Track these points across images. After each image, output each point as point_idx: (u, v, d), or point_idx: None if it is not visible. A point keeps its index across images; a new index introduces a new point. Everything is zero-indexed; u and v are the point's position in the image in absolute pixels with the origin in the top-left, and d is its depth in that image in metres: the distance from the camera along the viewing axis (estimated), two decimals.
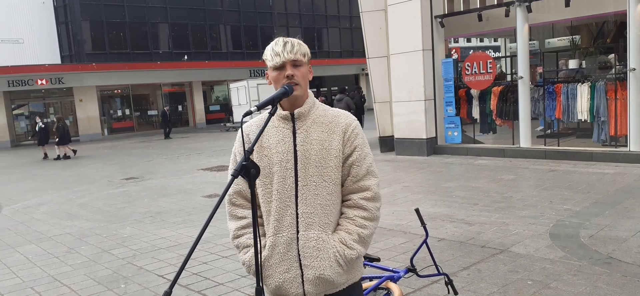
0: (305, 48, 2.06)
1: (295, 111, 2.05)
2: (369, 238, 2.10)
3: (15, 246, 6.85)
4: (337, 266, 2.04)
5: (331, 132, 2.06)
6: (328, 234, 2.05)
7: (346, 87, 18.90)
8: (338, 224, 2.10)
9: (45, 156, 19.67)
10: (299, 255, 2.03)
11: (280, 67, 2.01)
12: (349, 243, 2.05)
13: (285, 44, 2.01)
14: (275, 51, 2.01)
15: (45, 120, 20.62)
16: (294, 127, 2.05)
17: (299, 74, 2.01)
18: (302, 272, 2.04)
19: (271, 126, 2.07)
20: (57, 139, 19.26)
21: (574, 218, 6.08)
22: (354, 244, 2.05)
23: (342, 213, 2.11)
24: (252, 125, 2.15)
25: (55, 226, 7.89)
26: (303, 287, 2.04)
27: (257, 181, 2.06)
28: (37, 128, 20.67)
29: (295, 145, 2.03)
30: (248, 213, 2.11)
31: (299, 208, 2.02)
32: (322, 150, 2.03)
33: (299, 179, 2.02)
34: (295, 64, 2.01)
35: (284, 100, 2.03)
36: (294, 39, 2.05)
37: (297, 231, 2.03)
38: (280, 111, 2.06)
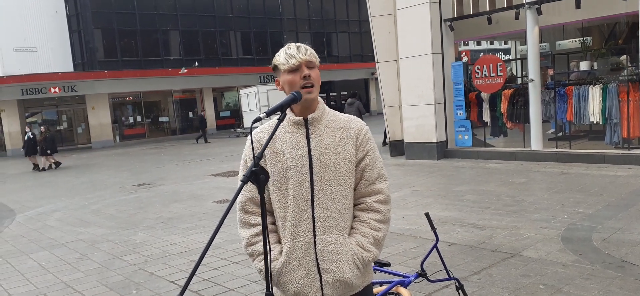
0: (314, 52, 2.11)
1: (309, 117, 2.08)
2: (383, 240, 2.15)
3: (29, 253, 6.92)
4: (355, 268, 2.08)
5: (344, 137, 2.09)
6: (345, 238, 2.09)
7: (357, 92, 18.92)
8: (352, 227, 2.14)
9: (35, 167, 18.85)
10: (317, 259, 2.06)
11: (296, 69, 2.04)
12: (365, 245, 2.09)
13: (298, 47, 2.06)
14: (290, 53, 2.05)
15: (44, 129, 19.35)
16: (307, 132, 2.07)
17: (313, 76, 2.05)
18: (320, 276, 2.06)
19: (284, 132, 2.09)
20: (48, 150, 18.51)
21: (586, 221, 6.03)
22: (371, 246, 2.10)
23: (355, 216, 2.15)
24: (263, 131, 2.16)
25: (68, 233, 7.96)
26: (322, 291, 2.07)
27: (271, 187, 2.09)
28: (25, 138, 19.44)
29: (309, 150, 2.05)
30: (261, 219, 2.13)
31: (315, 212, 2.05)
32: (336, 154, 2.06)
33: (314, 183, 2.04)
34: (310, 65, 2.06)
35: (295, 105, 2.06)
36: (302, 45, 2.09)
37: (314, 236, 2.06)
38: (292, 117, 2.09)
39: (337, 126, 2.11)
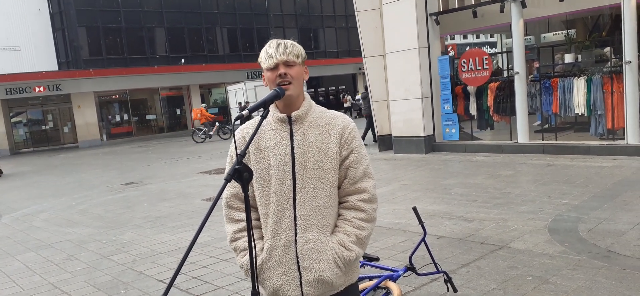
0: (298, 49, 2.06)
1: (293, 114, 2.06)
2: (367, 239, 2.12)
3: (15, 255, 6.85)
4: (335, 267, 2.06)
5: (328, 134, 2.07)
6: (326, 236, 2.06)
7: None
8: (336, 226, 2.12)
9: None
10: (297, 257, 2.05)
11: (273, 68, 2.02)
12: (347, 244, 2.07)
13: (278, 45, 2.03)
14: (268, 53, 2.02)
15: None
16: (291, 129, 2.06)
17: (292, 74, 2.02)
18: (300, 274, 2.05)
19: (268, 129, 2.07)
20: None
21: (572, 212, 6.09)
22: (353, 245, 2.07)
23: (339, 215, 2.13)
24: (247, 128, 2.15)
25: (54, 233, 7.88)
26: (301, 289, 2.06)
27: (255, 184, 2.08)
28: None
29: (292, 148, 2.03)
30: (244, 215, 2.11)
31: (297, 210, 2.03)
32: (319, 153, 2.04)
33: (296, 181, 2.03)
34: (288, 64, 2.02)
35: (279, 102, 2.04)
36: (288, 41, 2.06)
37: (295, 234, 2.04)
38: (277, 114, 2.07)
39: (322, 123, 2.09)
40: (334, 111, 2.18)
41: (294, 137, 2.04)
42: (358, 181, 2.10)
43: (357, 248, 2.08)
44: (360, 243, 2.09)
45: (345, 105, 33.31)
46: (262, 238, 2.13)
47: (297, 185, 2.03)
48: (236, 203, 2.14)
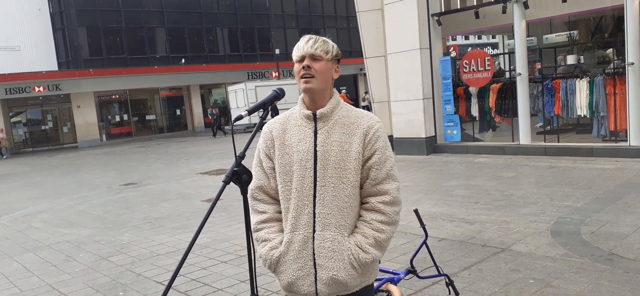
0: (329, 46, 2.09)
1: (318, 112, 2.07)
2: (386, 242, 2.10)
3: (13, 255, 6.80)
4: (351, 268, 2.05)
5: (352, 134, 2.07)
6: (344, 236, 2.06)
7: None
8: (355, 226, 2.11)
9: None
10: (314, 255, 2.05)
11: (300, 60, 2.05)
12: (364, 246, 2.06)
13: (308, 39, 2.06)
14: (299, 45, 2.07)
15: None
16: (315, 127, 2.06)
17: (316, 68, 2.03)
18: (315, 271, 2.06)
19: (294, 125, 2.10)
20: None
21: (575, 215, 6.04)
22: (370, 248, 2.06)
23: (360, 216, 2.12)
24: (275, 123, 2.16)
25: (53, 234, 7.84)
26: (315, 286, 2.06)
27: (278, 178, 2.11)
28: None
29: (315, 145, 2.04)
30: (268, 207, 2.16)
31: (316, 208, 2.04)
32: (341, 151, 2.04)
33: (317, 179, 2.04)
34: (314, 58, 2.03)
35: (306, 98, 2.07)
36: (321, 37, 2.09)
37: (314, 231, 2.05)
38: (303, 110, 2.09)
39: (347, 122, 2.09)
40: (361, 110, 2.17)
41: (318, 135, 2.05)
42: (380, 183, 2.08)
43: (374, 251, 2.06)
44: (378, 246, 2.07)
45: (363, 104, 33.15)
46: (281, 231, 2.16)
47: (317, 183, 2.03)
48: (260, 195, 2.16)
